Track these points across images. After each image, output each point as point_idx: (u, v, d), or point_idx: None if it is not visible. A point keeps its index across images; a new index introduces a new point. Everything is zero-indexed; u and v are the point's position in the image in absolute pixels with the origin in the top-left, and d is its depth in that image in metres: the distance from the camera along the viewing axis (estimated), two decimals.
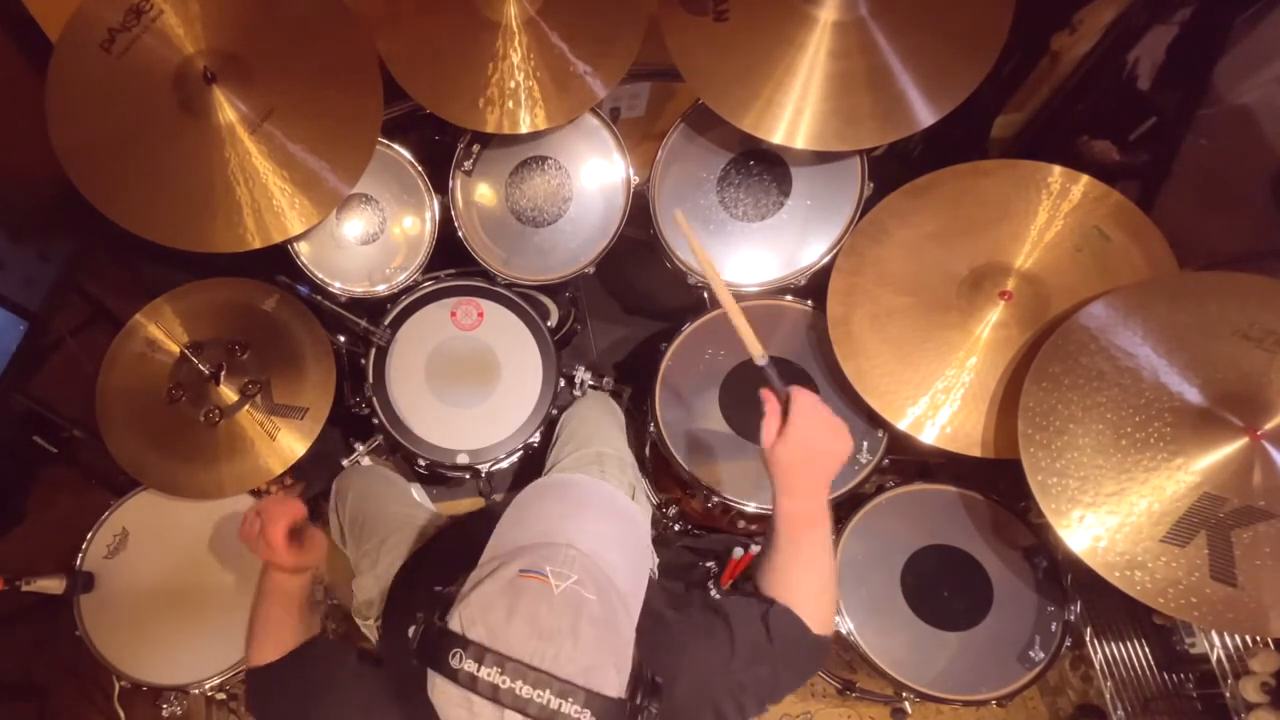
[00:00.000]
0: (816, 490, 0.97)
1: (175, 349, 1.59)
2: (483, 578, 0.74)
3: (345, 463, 1.74)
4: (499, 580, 0.73)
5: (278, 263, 1.57)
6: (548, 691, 0.68)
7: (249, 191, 1.42)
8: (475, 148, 1.63)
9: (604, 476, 1.57)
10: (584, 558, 0.75)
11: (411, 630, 0.75)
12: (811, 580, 0.99)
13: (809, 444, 0.94)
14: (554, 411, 1.68)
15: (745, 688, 0.94)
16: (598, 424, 1.68)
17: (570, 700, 0.68)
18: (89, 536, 1.56)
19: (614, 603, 0.75)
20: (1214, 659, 1.53)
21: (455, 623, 0.72)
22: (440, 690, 0.72)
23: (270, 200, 1.43)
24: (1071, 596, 1.53)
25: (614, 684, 0.71)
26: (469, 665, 0.69)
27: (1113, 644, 1.80)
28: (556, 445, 1.66)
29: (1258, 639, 1.48)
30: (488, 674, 0.68)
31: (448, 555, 1.17)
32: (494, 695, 0.68)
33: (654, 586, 0.95)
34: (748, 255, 1.67)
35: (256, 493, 1.61)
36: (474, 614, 0.72)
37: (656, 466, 1.79)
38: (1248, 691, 1.48)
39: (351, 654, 1.04)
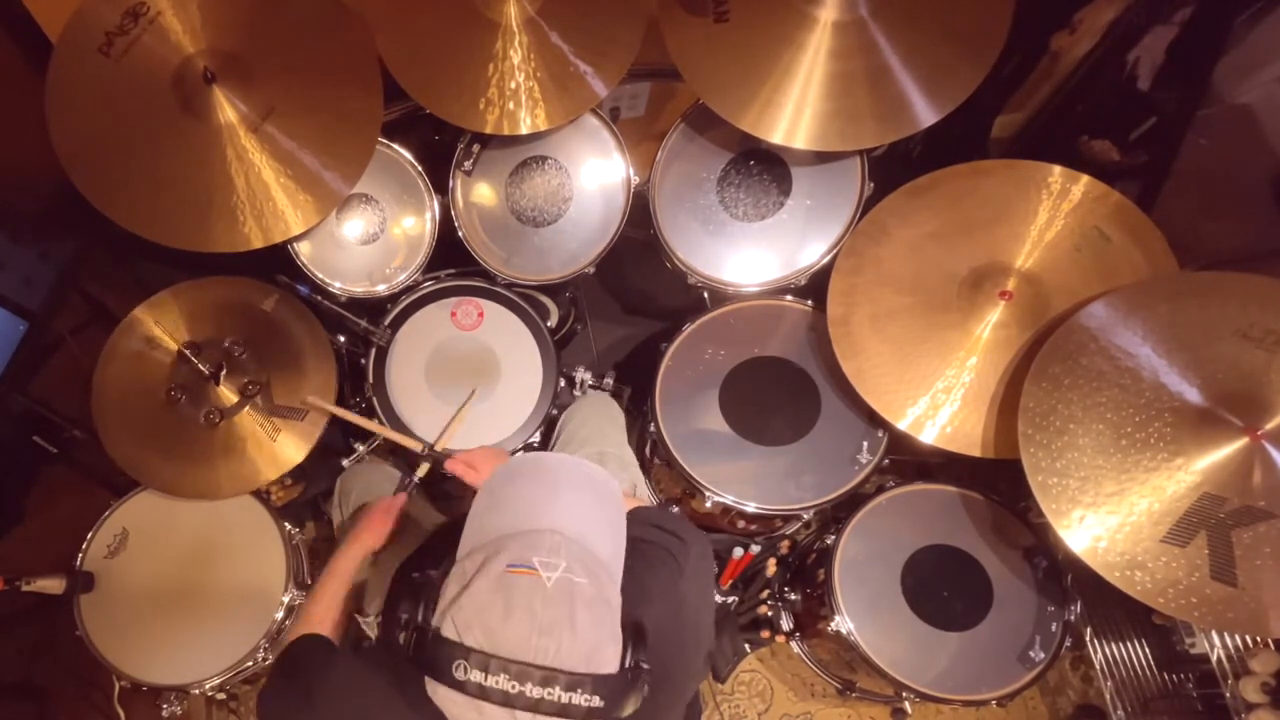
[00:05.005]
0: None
1: (174, 346, 1.59)
2: (470, 575, 0.73)
3: (346, 463, 1.74)
4: (488, 577, 0.72)
5: (278, 263, 1.57)
6: (557, 687, 0.68)
7: (249, 191, 1.42)
8: (475, 148, 1.63)
9: None
10: (569, 542, 0.75)
11: (402, 636, 0.74)
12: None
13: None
14: (554, 411, 1.69)
15: (701, 606, 0.99)
16: (598, 424, 1.68)
17: (580, 690, 0.69)
18: (89, 536, 1.57)
19: (602, 578, 0.75)
20: (1214, 659, 1.52)
21: (450, 628, 0.71)
22: (446, 697, 0.72)
23: (270, 200, 1.43)
24: (1071, 596, 1.53)
25: (613, 659, 0.73)
26: (475, 675, 0.69)
27: (1113, 644, 1.80)
28: (557, 445, 1.66)
29: (1258, 639, 1.48)
30: (495, 681, 0.68)
31: (440, 550, 1.18)
32: (506, 701, 0.68)
33: None
34: (748, 255, 1.66)
35: (257, 493, 1.61)
36: (468, 618, 0.71)
37: (657, 466, 1.79)
38: (1248, 691, 1.47)
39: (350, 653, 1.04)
